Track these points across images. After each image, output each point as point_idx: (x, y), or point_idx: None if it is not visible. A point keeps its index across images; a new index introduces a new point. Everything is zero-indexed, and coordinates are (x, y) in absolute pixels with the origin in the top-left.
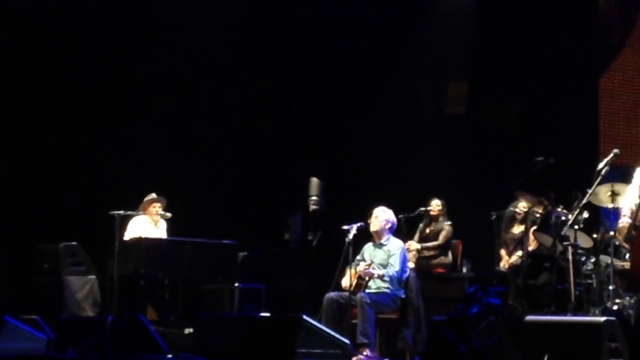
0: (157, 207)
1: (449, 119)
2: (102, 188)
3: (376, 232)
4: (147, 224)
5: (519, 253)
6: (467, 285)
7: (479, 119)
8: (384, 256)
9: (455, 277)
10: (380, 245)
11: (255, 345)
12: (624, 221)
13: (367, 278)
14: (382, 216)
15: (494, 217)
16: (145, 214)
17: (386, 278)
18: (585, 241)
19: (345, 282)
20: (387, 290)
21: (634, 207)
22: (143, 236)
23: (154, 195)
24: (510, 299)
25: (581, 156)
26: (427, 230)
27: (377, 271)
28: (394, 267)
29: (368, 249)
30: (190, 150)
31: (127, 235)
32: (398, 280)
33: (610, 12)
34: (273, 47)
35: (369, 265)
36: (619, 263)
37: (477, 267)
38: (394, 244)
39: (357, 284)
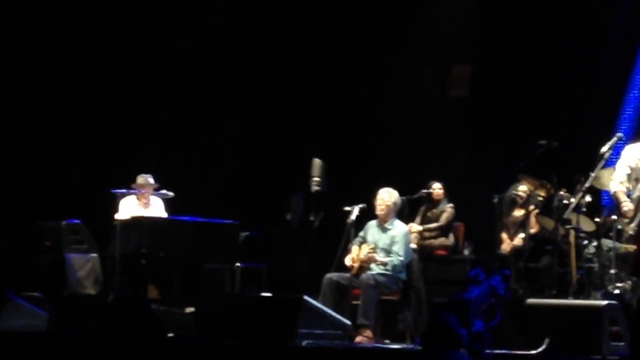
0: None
1: (452, 101)
2: (104, 166)
3: (382, 215)
4: (135, 206)
5: (522, 235)
6: (469, 267)
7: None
8: (388, 241)
9: (457, 260)
10: (385, 229)
11: (256, 325)
12: (628, 205)
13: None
14: (387, 199)
15: (496, 199)
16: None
17: (388, 267)
18: (587, 225)
19: (348, 260)
20: (390, 272)
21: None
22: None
23: (141, 179)
24: (511, 282)
25: (584, 139)
26: (429, 213)
27: (380, 258)
28: (398, 256)
29: (372, 229)
30: (192, 130)
31: (118, 216)
32: (400, 267)
33: None
34: (275, 29)
35: (373, 249)
36: (622, 246)
37: (478, 250)
38: (398, 229)
39: (359, 266)
